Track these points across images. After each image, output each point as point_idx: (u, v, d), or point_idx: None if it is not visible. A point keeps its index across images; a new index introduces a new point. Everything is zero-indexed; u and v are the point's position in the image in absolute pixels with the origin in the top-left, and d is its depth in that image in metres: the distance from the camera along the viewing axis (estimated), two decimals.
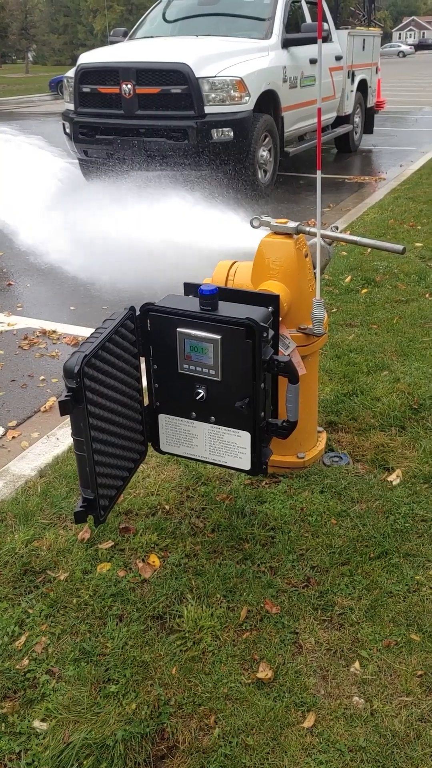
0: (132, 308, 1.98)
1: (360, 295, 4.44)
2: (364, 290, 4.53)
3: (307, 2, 8.83)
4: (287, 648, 1.91)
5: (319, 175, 2.34)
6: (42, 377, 3.73)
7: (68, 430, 3.01)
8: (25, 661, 1.90)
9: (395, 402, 3.05)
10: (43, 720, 1.75)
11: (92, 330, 4.18)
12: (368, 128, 11.51)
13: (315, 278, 2.47)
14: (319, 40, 2.26)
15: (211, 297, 1.94)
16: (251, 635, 1.96)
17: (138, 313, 2.00)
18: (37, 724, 1.74)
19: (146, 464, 2.69)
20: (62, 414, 1.72)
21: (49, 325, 4.41)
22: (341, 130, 10.02)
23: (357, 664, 1.86)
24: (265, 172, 7.67)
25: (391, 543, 2.26)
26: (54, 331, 4.31)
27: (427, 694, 1.76)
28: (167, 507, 2.48)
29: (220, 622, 2.00)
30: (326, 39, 9.05)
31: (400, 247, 2.40)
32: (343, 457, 2.73)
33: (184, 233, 4.98)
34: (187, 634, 1.97)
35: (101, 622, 2.02)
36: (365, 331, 3.89)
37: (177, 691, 1.80)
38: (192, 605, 2.06)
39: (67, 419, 1.88)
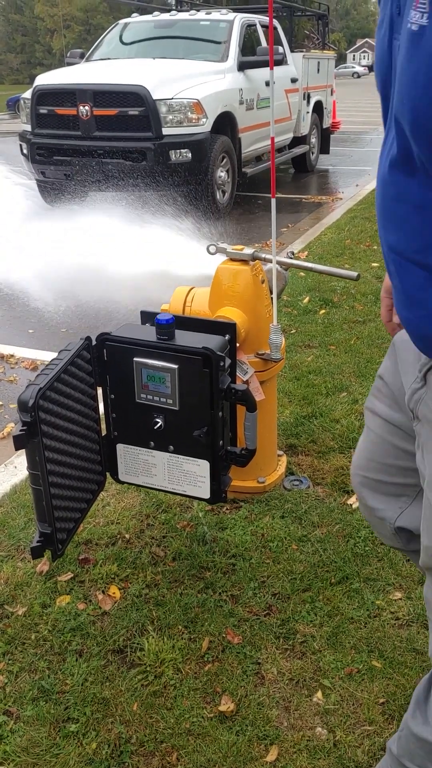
0: (88, 338, 1.96)
1: (318, 316, 4.48)
2: (323, 311, 4.57)
3: (261, 26, 8.97)
4: (249, 679, 1.90)
5: (273, 203, 2.35)
6: (0, 403, 3.68)
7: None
8: None
9: (354, 424, 3.07)
10: (0, 764, 1.70)
11: (51, 354, 4.14)
12: (325, 148, 11.72)
13: (272, 304, 2.49)
14: (271, 72, 2.28)
15: (168, 326, 1.93)
16: (213, 667, 1.94)
17: (94, 342, 1.99)
18: None
19: (106, 492, 2.66)
20: (17, 449, 1.69)
21: (6, 349, 4.35)
22: (298, 150, 10.18)
23: (319, 694, 1.85)
24: (224, 192, 7.72)
25: (352, 567, 2.27)
26: (12, 356, 4.25)
27: (389, 722, 1.76)
28: (127, 536, 2.46)
29: (182, 654, 1.98)
30: (281, 62, 9.19)
31: (354, 273, 2.43)
32: (304, 481, 2.74)
33: (142, 257, 4.98)
34: (148, 668, 1.94)
35: (60, 659, 1.98)
36: (324, 352, 3.92)
37: (138, 728, 1.77)
38: (153, 637, 2.03)
39: None
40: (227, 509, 2.58)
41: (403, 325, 1.14)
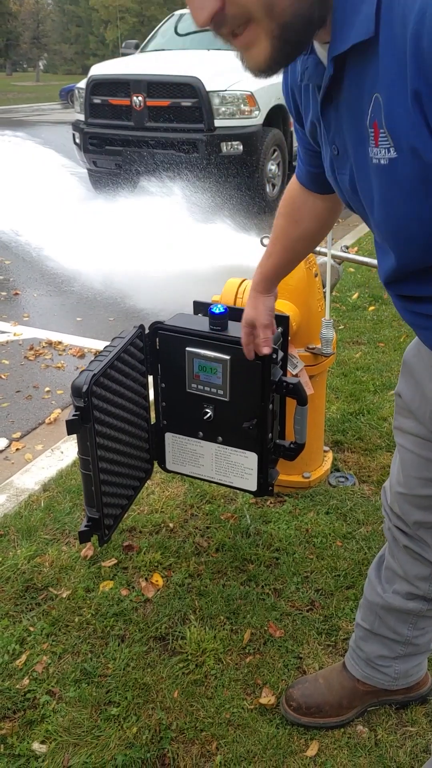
0: (141, 326, 1.97)
1: (367, 312, 4.43)
2: (372, 307, 4.52)
3: None
4: (291, 673, 1.89)
5: None
6: (47, 388, 3.72)
7: (72, 443, 3.01)
8: (26, 681, 1.88)
9: None
10: (42, 742, 1.73)
11: (98, 342, 4.15)
12: None
13: (324, 298, 2.47)
14: None
15: (222, 317, 1.92)
16: (254, 659, 1.94)
17: (147, 331, 1.99)
18: (36, 746, 1.72)
19: (151, 480, 2.68)
20: (69, 433, 1.71)
21: (55, 336, 4.40)
22: None
23: None
24: (274, 185, 7.68)
25: None
26: (60, 342, 4.30)
27: None
28: (171, 525, 2.47)
29: (223, 645, 1.98)
30: None
31: None
32: (349, 478, 2.72)
33: (191, 248, 4.99)
34: (189, 657, 1.94)
35: (103, 642, 2.00)
36: (372, 349, 3.88)
37: (179, 716, 1.78)
38: (195, 627, 2.04)
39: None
40: (271, 503, 2.58)
41: None
